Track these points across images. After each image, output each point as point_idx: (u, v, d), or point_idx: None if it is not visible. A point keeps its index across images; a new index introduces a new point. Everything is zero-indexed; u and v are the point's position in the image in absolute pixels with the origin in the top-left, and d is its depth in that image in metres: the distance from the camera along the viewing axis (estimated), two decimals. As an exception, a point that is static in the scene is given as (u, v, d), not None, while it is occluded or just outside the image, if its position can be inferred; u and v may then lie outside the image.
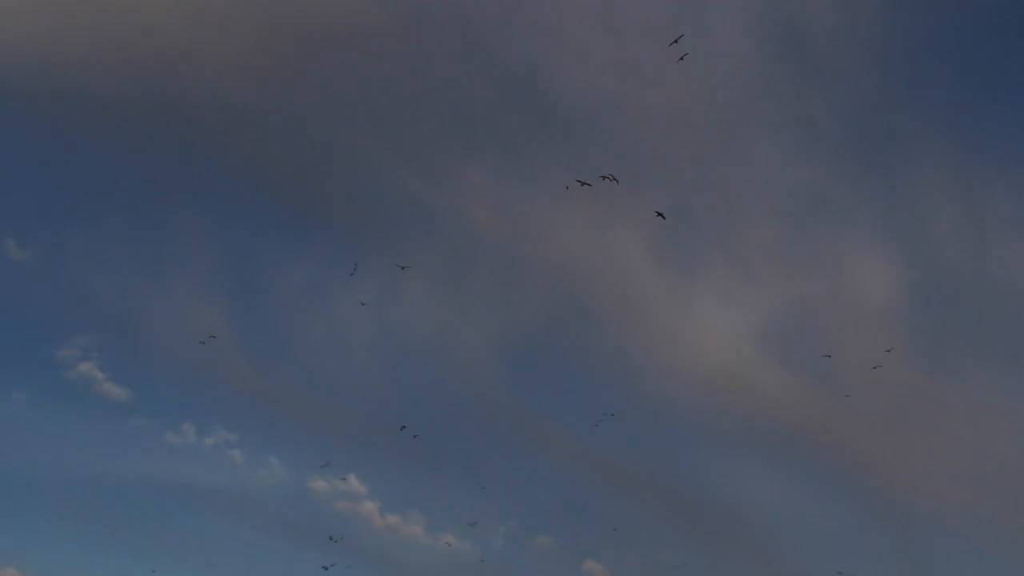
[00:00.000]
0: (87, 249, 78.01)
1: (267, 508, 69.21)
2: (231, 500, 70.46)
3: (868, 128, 78.35)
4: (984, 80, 75.89)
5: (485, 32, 70.92)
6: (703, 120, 70.72)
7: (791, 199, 76.63)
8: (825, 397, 56.76)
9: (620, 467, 69.75)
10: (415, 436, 60.38)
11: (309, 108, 74.65)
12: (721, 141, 72.96)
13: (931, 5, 74.59)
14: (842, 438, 63.28)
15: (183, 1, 64.95)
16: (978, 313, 71.25)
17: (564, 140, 73.35)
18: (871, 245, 69.95)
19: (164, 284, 73.71)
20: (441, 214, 74.64)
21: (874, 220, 73.93)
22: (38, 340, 76.08)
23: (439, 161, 75.25)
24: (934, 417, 67.00)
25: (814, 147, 73.31)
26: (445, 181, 74.66)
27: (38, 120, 74.58)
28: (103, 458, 71.96)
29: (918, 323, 69.30)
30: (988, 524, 62.70)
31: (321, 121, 74.08)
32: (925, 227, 71.76)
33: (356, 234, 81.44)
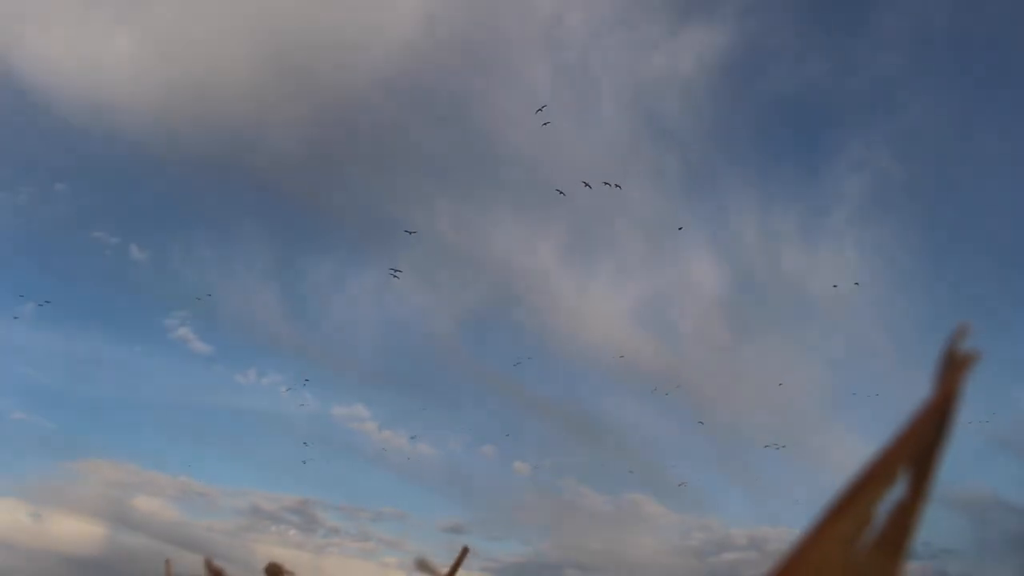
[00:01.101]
0: (184, 251, 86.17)
1: (301, 426, 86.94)
2: (278, 421, 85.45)
3: (699, 175, 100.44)
4: (773, 144, 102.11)
5: (453, 112, 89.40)
6: (594, 168, 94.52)
7: (651, 222, 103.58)
8: (674, 353, 76.55)
9: (537, 398, 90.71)
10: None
11: (336, 159, 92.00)
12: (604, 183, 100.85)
13: (740, 99, 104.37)
14: (687, 380, 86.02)
15: (254, 83, 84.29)
16: (772, 298, 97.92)
17: (503, 180, 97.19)
18: (703, 254, 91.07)
19: (235, 276, 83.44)
20: (421, 232, 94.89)
21: (704, 236, 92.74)
22: (151, 312, 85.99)
23: (420, 196, 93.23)
24: (745, 367, 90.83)
25: (665, 188, 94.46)
26: (424, 209, 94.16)
27: (151, 161, 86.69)
28: (193, 391, 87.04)
29: (733, 305, 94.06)
30: (780, 438, 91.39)
31: (343, 167, 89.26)
32: (737, 241, 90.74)
33: (364, 244, 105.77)
